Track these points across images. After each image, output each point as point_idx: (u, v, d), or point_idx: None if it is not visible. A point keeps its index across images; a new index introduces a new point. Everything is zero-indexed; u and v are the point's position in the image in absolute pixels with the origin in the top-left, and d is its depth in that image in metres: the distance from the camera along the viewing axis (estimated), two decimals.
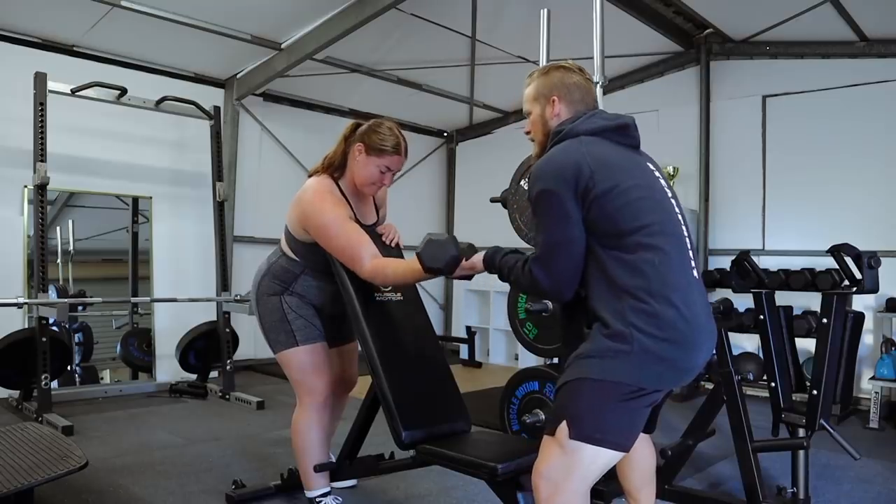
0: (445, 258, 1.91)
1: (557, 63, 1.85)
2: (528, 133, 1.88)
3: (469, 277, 2.03)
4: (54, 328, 4.22)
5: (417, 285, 2.56)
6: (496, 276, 1.85)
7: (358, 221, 2.34)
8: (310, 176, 2.41)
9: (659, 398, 1.64)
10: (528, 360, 5.24)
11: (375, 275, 2.18)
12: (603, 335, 1.56)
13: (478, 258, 1.93)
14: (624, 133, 1.73)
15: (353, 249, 2.19)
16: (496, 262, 1.83)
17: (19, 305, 3.91)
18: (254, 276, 2.54)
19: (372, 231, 2.42)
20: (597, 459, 1.56)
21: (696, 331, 1.57)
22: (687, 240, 1.67)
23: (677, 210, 1.69)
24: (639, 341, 1.51)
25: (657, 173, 1.73)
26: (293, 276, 2.43)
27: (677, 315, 1.53)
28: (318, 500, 2.44)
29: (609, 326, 1.55)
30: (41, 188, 4.03)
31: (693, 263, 1.65)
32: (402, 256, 2.52)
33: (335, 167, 2.39)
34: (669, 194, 1.70)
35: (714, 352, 2.61)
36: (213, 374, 5.04)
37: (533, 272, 1.67)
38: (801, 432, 2.54)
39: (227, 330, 4.81)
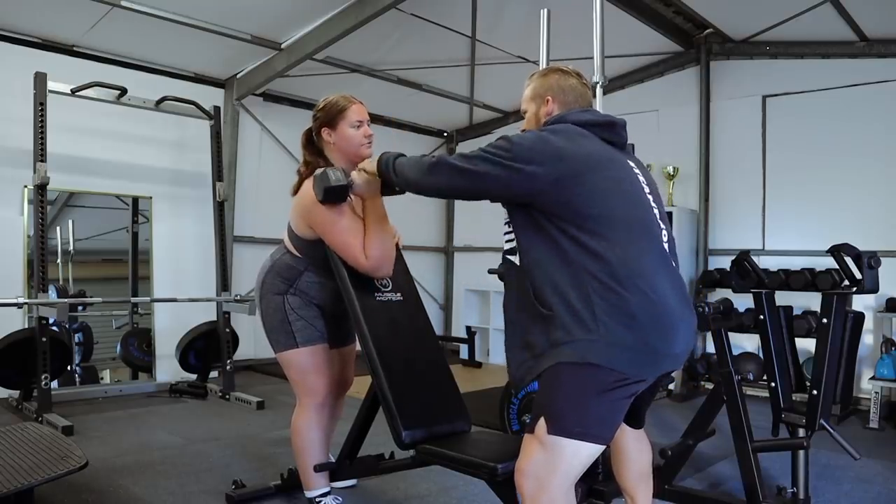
0: (320, 193, 2.13)
1: (556, 66, 1.92)
2: (523, 131, 1.92)
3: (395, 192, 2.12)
4: (54, 328, 4.22)
5: (417, 285, 2.57)
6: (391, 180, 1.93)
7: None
8: (293, 193, 2.38)
9: (639, 389, 1.64)
10: None
11: (370, 256, 2.20)
12: (570, 320, 1.57)
13: (369, 165, 2.04)
14: (611, 130, 1.77)
15: (355, 245, 2.20)
16: (392, 158, 1.90)
17: (19, 305, 3.91)
18: (258, 273, 2.54)
19: None
20: (578, 454, 1.57)
21: (666, 317, 1.59)
22: (664, 233, 1.70)
23: (654, 205, 1.73)
24: (605, 325, 1.53)
25: (637, 170, 1.77)
26: (297, 273, 2.42)
27: (645, 301, 1.55)
28: (317, 500, 2.44)
29: (575, 312, 1.57)
30: (41, 188, 4.03)
31: (670, 257, 1.69)
32: (400, 256, 2.52)
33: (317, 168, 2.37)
34: (648, 190, 1.74)
35: (713, 351, 2.64)
36: (213, 374, 5.03)
37: (441, 160, 1.72)
38: (801, 432, 2.54)
39: (227, 330, 4.81)
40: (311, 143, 2.42)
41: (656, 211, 1.72)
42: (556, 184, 1.59)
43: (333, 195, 2.13)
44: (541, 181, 1.59)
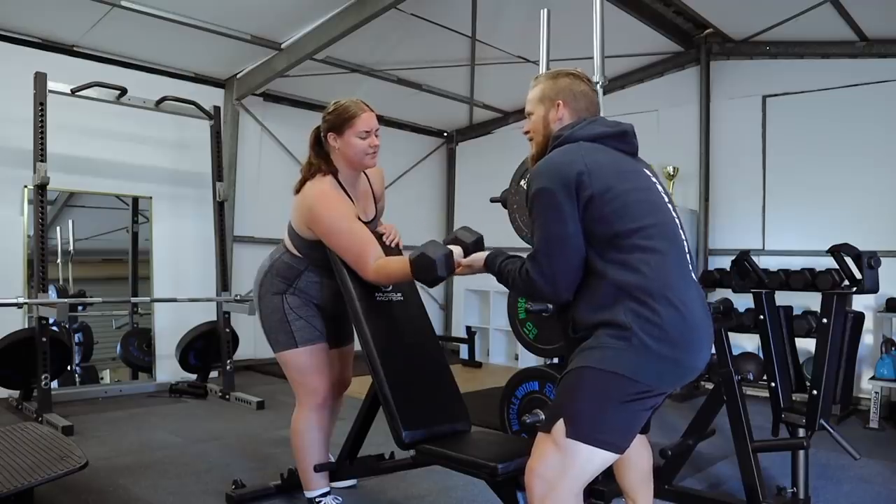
0: (431, 277, 1.97)
1: (566, 69, 1.86)
2: (526, 133, 1.89)
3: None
4: (54, 328, 4.22)
5: (417, 285, 2.57)
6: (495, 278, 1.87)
7: (360, 219, 2.34)
8: (296, 192, 2.37)
9: (660, 401, 1.64)
10: (528, 360, 5.24)
11: (378, 277, 2.19)
12: (604, 332, 1.57)
13: (479, 258, 1.95)
14: (622, 140, 1.75)
15: (359, 251, 2.20)
16: (497, 265, 1.84)
17: (19, 305, 3.91)
18: (256, 273, 2.53)
19: (372, 229, 2.42)
20: (593, 459, 1.56)
21: (695, 331, 1.58)
22: (685, 243, 1.69)
23: (674, 214, 1.71)
24: (637, 336, 1.52)
25: (654, 178, 1.75)
26: (296, 273, 2.42)
27: (676, 315, 1.54)
28: (317, 500, 2.44)
29: (609, 324, 1.56)
30: (41, 188, 4.03)
31: (691, 266, 1.67)
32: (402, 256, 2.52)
33: (321, 170, 2.35)
34: (666, 199, 1.72)
35: (714, 352, 2.64)
36: (213, 374, 5.03)
37: (530, 272, 1.66)
38: (801, 432, 2.54)
39: (227, 330, 4.81)
40: (319, 143, 2.39)
41: (677, 219, 1.71)
42: (591, 202, 1.59)
43: (434, 283, 2.02)
44: (582, 203, 1.59)
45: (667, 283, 1.56)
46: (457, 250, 2.01)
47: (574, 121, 1.77)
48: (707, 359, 1.66)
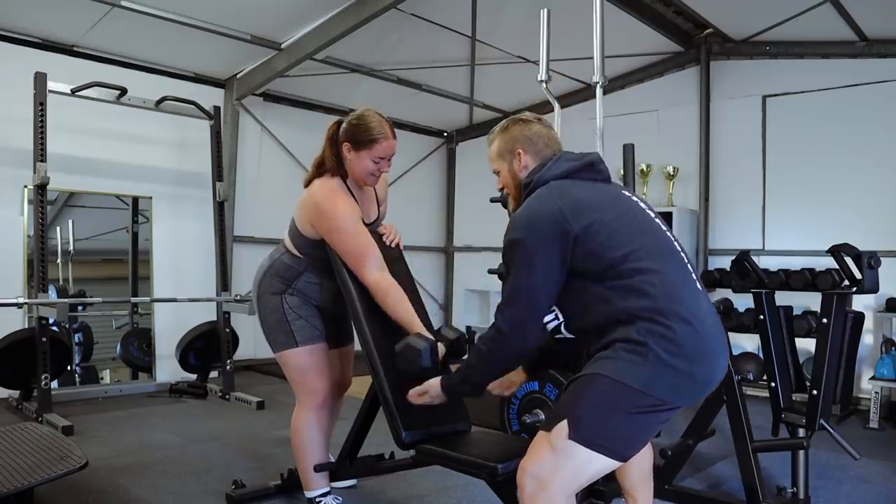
0: (410, 371, 2.02)
1: (514, 117, 1.90)
2: (501, 190, 1.91)
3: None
4: (54, 328, 4.22)
5: (417, 285, 2.57)
6: (466, 392, 1.92)
7: (363, 221, 2.34)
8: (306, 185, 2.38)
9: (673, 415, 1.63)
10: None
11: (376, 291, 2.21)
12: (620, 346, 1.56)
13: (433, 385, 1.93)
14: (591, 170, 1.75)
15: (360, 255, 2.21)
16: (457, 381, 1.86)
17: (19, 305, 3.91)
18: (255, 274, 2.53)
19: (373, 230, 2.42)
20: (590, 464, 1.54)
21: (710, 343, 1.58)
22: (683, 255, 1.68)
23: (665, 228, 1.71)
24: (653, 351, 1.52)
25: (634, 198, 1.75)
26: (296, 274, 2.42)
27: (689, 329, 1.54)
28: (317, 500, 2.44)
29: (625, 340, 1.55)
30: (41, 188, 4.02)
31: (695, 277, 1.67)
32: (402, 257, 2.52)
33: (330, 169, 2.36)
34: (653, 215, 1.72)
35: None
36: (213, 374, 5.03)
37: (497, 324, 1.68)
38: (801, 432, 2.54)
39: (227, 330, 4.81)
40: (336, 140, 2.36)
41: (669, 234, 1.70)
42: (576, 242, 1.59)
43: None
44: (568, 245, 1.59)
45: (675, 299, 1.56)
46: (440, 349, 2.09)
47: (539, 163, 1.78)
48: (725, 368, 1.65)
